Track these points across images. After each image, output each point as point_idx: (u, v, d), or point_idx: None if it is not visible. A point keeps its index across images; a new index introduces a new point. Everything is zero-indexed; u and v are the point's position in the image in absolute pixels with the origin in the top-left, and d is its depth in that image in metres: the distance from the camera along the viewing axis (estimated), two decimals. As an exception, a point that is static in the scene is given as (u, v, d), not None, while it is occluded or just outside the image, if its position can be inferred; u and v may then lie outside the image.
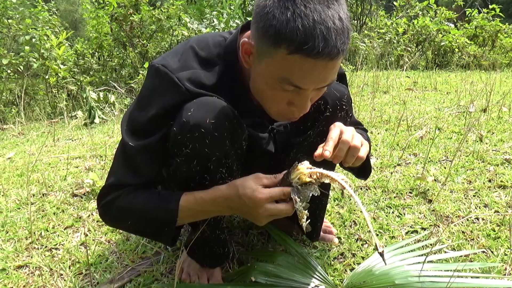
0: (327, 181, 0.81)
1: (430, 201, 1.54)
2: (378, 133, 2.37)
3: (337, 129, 0.86)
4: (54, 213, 1.53)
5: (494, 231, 1.33)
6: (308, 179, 0.81)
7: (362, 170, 1.07)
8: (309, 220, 0.83)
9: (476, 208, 1.48)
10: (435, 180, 1.71)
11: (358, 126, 1.19)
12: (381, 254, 0.77)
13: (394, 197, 1.58)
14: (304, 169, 0.82)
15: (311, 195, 0.82)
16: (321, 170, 0.81)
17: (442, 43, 6.04)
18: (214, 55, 0.92)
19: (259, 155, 1.02)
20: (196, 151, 0.84)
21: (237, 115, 0.88)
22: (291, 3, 0.71)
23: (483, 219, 1.41)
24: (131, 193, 0.89)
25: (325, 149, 0.82)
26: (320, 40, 0.70)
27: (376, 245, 0.76)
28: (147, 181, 0.90)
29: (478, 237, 1.30)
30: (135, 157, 0.88)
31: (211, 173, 0.88)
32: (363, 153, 0.87)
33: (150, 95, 0.89)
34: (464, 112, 2.75)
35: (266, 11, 0.74)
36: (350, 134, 0.85)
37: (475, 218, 1.42)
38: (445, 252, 1.23)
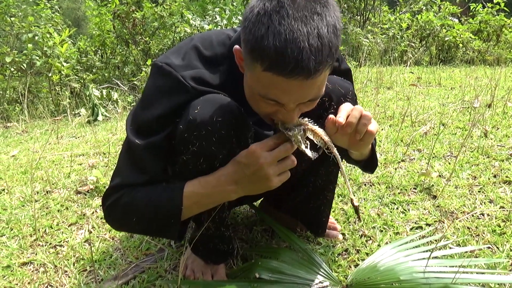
0: (310, 135, 0.82)
1: (434, 197, 1.54)
2: (382, 129, 2.36)
3: (348, 103, 0.87)
4: (58, 210, 1.54)
5: (500, 226, 1.32)
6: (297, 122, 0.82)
7: (369, 162, 1.07)
8: (309, 143, 0.82)
9: (481, 203, 1.47)
10: (440, 175, 1.70)
11: None
12: (356, 209, 0.85)
13: (399, 193, 1.57)
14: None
15: (302, 131, 0.81)
16: (307, 123, 0.82)
17: (446, 38, 5.99)
18: (219, 55, 0.91)
19: None
20: (202, 149, 0.83)
21: (243, 113, 0.88)
22: (267, 18, 0.69)
23: (488, 214, 1.40)
24: (134, 189, 0.89)
25: (339, 116, 0.82)
26: (290, 61, 0.68)
27: (351, 200, 0.84)
28: (152, 180, 0.89)
29: (483, 233, 1.29)
30: (140, 156, 0.87)
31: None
32: (373, 127, 0.86)
33: (154, 94, 0.88)
34: (468, 107, 2.73)
35: (245, 25, 0.73)
36: (361, 107, 0.86)
37: (480, 214, 1.41)
38: (450, 248, 1.22)
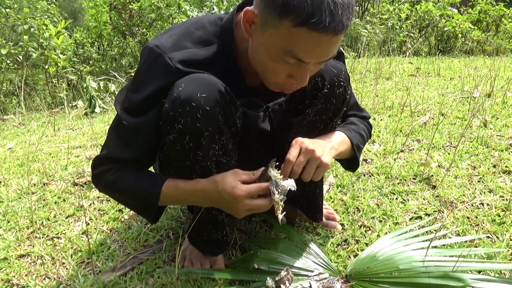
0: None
1: (434, 187, 1.53)
2: (381, 120, 2.35)
3: (294, 150, 0.91)
4: (55, 202, 1.53)
5: (499, 216, 1.32)
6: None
7: (351, 162, 1.13)
8: (284, 213, 0.87)
9: (480, 193, 1.47)
10: (439, 166, 1.69)
11: (356, 113, 1.17)
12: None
13: (398, 183, 1.57)
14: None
15: (288, 189, 0.86)
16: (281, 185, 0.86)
17: (445, 29, 5.96)
18: (210, 34, 0.91)
19: (255, 135, 1.02)
20: (188, 126, 0.83)
21: (230, 92, 0.88)
22: None
23: (488, 204, 1.39)
24: (119, 170, 0.93)
25: (282, 173, 0.88)
26: (327, 15, 0.70)
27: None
28: (137, 158, 0.93)
29: (483, 223, 1.29)
30: (127, 134, 0.90)
31: (204, 149, 0.87)
32: (316, 176, 0.93)
33: (144, 76, 0.89)
34: (468, 97, 2.72)
35: None
36: (304, 160, 0.91)
37: (479, 204, 1.40)
38: (450, 237, 1.22)
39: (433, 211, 1.37)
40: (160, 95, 0.86)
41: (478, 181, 1.55)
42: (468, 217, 1.32)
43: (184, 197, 0.94)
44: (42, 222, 1.39)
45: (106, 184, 0.95)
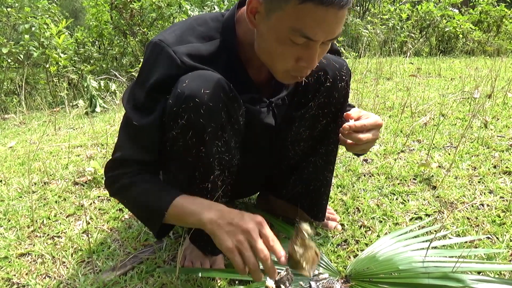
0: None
1: (434, 187, 1.53)
2: (382, 120, 2.34)
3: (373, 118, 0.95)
4: (55, 202, 1.53)
5: (500, 217, 1.32)
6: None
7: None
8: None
9: (481, 194, 1.47)
10: (440, 166, 1.69)
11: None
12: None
13: (398, 184, 1.57)
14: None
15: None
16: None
17: (446, 29, 5.95)
18: (213, 29, 0.92)
19: (259, 131, 1.02)
20: (191, 122, 0.83)
21: (233, 89, 0.88)
22: None
23: (488, 205, 1.39)
24: (134, 176, 0.92)
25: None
26: None
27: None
28: (151, 157, 0.92)
29: (483, 223, 1.29)
30: (138, 133, 0.90)
31: (208, 145, 0.87)
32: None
33: (149, 70, 0.89)
34: (468, 98, 2.72)
35: None
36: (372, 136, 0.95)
37: (480, 204, 1.40)
38: (450, 238, 1.22)
39: (433, 212, 1.37)
40: (165, 86, 0.86)
41: (479, 182, 1.55)
42: (468, 218, 1.32)
43: (187, 222, 0.90)
44: (43, 221, 1.40)
45: (118, 189, 0.94)
